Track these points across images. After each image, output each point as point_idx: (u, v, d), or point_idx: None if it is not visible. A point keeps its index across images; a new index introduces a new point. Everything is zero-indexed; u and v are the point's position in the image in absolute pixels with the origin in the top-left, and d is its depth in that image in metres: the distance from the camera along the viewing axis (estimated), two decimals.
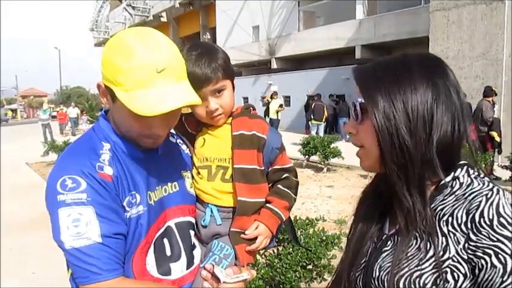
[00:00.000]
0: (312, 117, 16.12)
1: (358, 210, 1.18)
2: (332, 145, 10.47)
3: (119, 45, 1.12)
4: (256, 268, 2.97)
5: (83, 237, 1.06)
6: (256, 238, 1.35)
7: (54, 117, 25.39)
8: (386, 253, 0.99)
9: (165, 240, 1.27)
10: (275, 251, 3.19)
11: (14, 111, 70.56)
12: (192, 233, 1.37)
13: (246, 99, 26.47)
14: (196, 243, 1.38)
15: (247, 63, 27.86)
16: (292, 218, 3.39)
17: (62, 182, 1.08)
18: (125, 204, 1.16)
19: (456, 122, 0.93)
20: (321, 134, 14.95)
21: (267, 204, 1.39)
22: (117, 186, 1.15)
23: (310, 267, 3.14)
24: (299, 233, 3.27)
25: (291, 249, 3.11)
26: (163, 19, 35.80)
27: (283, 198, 1.40)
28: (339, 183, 9.35)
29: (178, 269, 1.28)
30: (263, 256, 3.22)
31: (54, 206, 1.08)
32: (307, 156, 11.11)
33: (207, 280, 1.26)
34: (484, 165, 8.36)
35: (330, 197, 8.07)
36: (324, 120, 16.01)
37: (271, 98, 17.59)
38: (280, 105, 17.18)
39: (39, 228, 5.90)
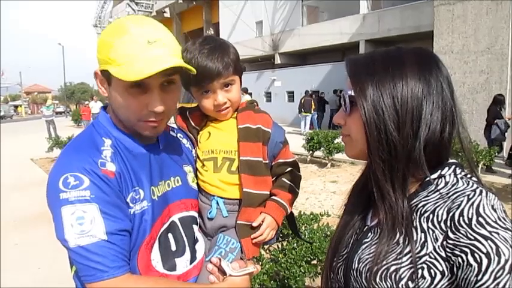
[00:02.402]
0: (303, 110, 18.39)
1: (347, 201, 1.19)
2: (336, 140, 10.46)
3: (113, 26, 1.16)
4: (260, 263, 2.98)
5: (87, 235, 1.05)
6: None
7: (58, 113, 25.07)
8: (366, 245, 1.00)
9: (170, 236, 1.26)
10: (279, 246, 3.20)
11: (19, 107, 70.92)
12: (195, 227, 1.37)
13: (249, 94, 26.43)
14: (199, 237, 1.38)
15: (251, 58, 27.81)
16: (297, 213, 3.41)
17: (64, 179, 1.07)
18: (128, 200, 1.15)
19: (446, 120, 0.92)
20: (308, 124, 18.39)
21: (273, 197, 1.41)
22: (120, 182, 1.14)
23: (314, 262, 3.15)
24: (303, 228, 3.28)
25: (295, 245, 3.12)
26: (167, 15, 35.80)
27: (287, 191, 1.43)
28: (343, 178, 9.34)
29: (183, 263, 1.28)
30: (267, 251, 3.23)
31: (57, 205, 1.06)
32: (311, 152, 11.11)
33: (213, 273, 1.27)
34: (488, 161, 8.36)
35: (334, 192, 8.07)
36: (312, 112, 18.59)
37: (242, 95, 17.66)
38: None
39: (44, 223, 5.94)
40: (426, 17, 15.13)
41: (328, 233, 3.29)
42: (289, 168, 1.46)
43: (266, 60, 27.35)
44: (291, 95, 24.92)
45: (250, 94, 25.63)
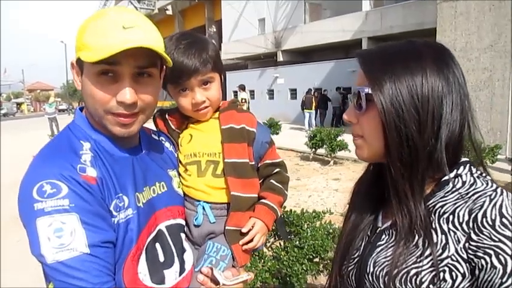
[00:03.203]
0: (304, 107, 19.34)
1: (352, 201, 1.15)
2: (339, 138, 10.45)
3: (92, 14, 1.09)
4: (262, 261, 2.98)
5: (67, 249, 0.93)
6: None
7: (60, 110, 24.82)
8: (381, 248, 0.97)
9: (157, 245, 1.17)
10: (282, 244, 3.20)
11: (22, 104, 71.13)
12: (183, 236, 1.28)
13: (252, 92, 26.42)
14: (187, 246, 1.30)
15: (253, 56, 27.81)
16: (299, 211, 3.41)
17: (39, 188, 0.95)
18: (111, 208, 1.05)
19: (465, 119, 0.90)
20: (313, 120, 19.28)
21: (262, 200, 1.34)
22: (102, 189, 1.04)
23: (316, 260, 3.14)
24: (305, 225, 3.27)
25: (297, 242, 3.11)
26: (169, 12, 35.79)
27: (277, 194, 1.37)
28: (346, 176, 9.33)
29: (172, 276, 1.19)
30: (270, 249, 3.23)
31: (31, 216, 0.95)
32: (313, 149, 11.10)
33: (204, 285, 1.21)
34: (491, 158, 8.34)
35: (337, 190, 8.05)
36: (313, 108, 19.37)
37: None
38: (243, 99, 17.50)
39: None
40: (429, 14, 15.08)
41: (331, 230, 3.28)
42: (277, 169, 1.40)
43: (269, 57, 27.32)
44: (293, 93, 24.89)
45: (253, 92, 25.64)
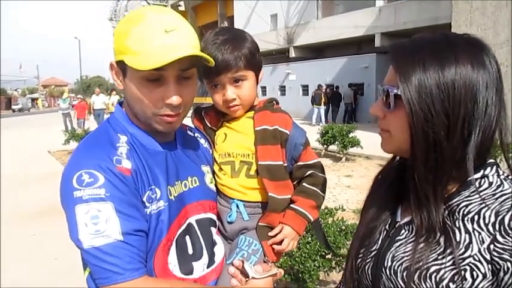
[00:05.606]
0: (314, 102, 20.11)
1: (370, 195, 1.14)
2: (351, 134, 10.39)
3: (131, 15, 1.13)
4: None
5: (102, 235, 0.99)
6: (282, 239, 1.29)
7: (74, 106, 24.69)
8: (399, 242, 0.96)
9: (187, 238, 1.20)
10: None
11: (37, 99, 72.01)
12: (213, 230, 1.30)
13: (263, 88, 26.37)
14: (218, 240, 1.31)
15: (265, 52, 27.69)
16: None
17: (78, 177, 1.02)
18: (144, 199, 1.10)
19: (498, 123, 0.87)
20: (322, 115, 19.84)
21: (291, 205, 1.31)
22: (136, 180, 1.09)
23: (329, 256, 3.13)
24: None
25: (310, 239, 3.11)
26: (181, 8, 35.83)
27: (308, 197, 1.32)
28: (358, 172, 9.29)
29: (200, 267, 1.22)
30: None
31: (71, 203, 1.02)
32: (325, 146, 11.05)
33: (235, 277, 1.21)
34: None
35: (349, 187, 8.04)
36: (322, 104, 19.99)
37: None
38: None
39: (61, 215, 6.02)
40: (443, 9, 14.87)
41: (343, 227, 3.27)
42: (310, 171, 1.35)
43: (281, 53, 27.25)
44: (305, 89, 24.80)
45: (264, 88, 25.59)
